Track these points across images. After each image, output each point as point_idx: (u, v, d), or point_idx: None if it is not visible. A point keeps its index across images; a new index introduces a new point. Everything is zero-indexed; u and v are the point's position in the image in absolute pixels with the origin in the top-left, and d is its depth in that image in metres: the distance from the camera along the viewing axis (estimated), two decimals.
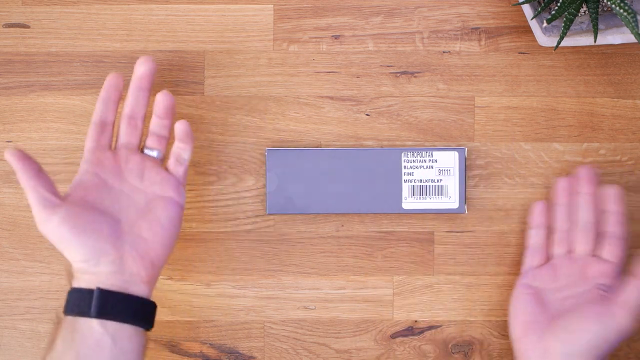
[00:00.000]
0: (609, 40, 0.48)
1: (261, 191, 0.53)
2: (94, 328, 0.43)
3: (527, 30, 0.53)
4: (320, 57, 0.53)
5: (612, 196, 0.50)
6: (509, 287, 0.53)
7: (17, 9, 0.53)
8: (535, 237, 0.51)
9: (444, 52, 0.53)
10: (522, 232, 0.53)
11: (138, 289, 0.45)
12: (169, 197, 0.47)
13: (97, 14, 0.53)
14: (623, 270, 0.49)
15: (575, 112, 0.53)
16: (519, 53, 0.53)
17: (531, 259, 0.51)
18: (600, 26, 0.48)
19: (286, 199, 0.51)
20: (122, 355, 0.43)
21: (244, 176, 0.53)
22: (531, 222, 0.52)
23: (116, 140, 0.48)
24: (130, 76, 0.48)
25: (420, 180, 0.51)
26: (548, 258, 0.51)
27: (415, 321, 0.53)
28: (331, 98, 0.53)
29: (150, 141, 0.49)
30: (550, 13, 0.49)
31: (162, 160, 0.49)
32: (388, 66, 0.53)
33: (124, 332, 0.44)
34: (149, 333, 0.46)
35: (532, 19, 0.49)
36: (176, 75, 0.53)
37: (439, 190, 0.52)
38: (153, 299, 0.46)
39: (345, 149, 0.52)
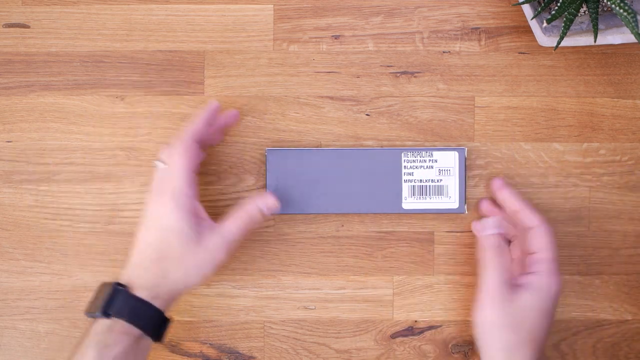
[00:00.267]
0: (609, 40, 0.48)
1: (261, 191, 0.53)
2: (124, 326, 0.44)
3: (527, 30, 0.53)
4: (320, 57, 0.53)
5: (504, 195, 0.51)
6: None
7: (17, 9, 0.53)
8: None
9: (444, 52, 0.53)
10: None
11: (160, 303, 0.46)
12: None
13: (97, 14, 0.53)
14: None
15: (575, 112, 0.53)
16: (519, 53, 0.53)
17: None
18: (600, 26, 0.48)
19: (286, 199, 0.51)
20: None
21: (244, 176, 0.53)
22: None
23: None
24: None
25: (420, 180, 0.51)
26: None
27: (415, 321, 0.53)
28: (331, 98, 0.53)
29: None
30: (550, 13, 0.49)
31: None
32: (388, 66, 0.53)
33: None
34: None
35: (532, 19, 0.49)
36: (176, 75, 0.53)
37: (439, 190, 0.52)
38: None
39: (345, 149, 0.52)
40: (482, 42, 0.53)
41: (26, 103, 0.53)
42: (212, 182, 0.53)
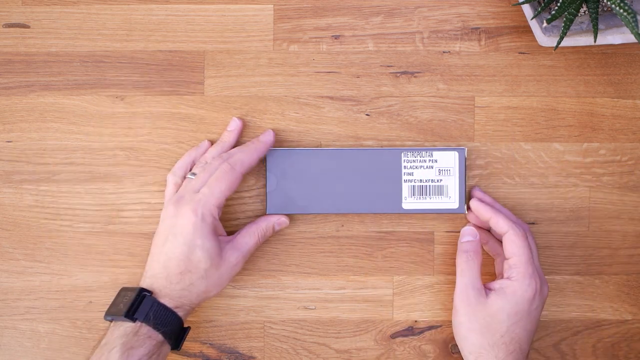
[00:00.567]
0: (609, 40, 0.48)
1: (261, 191, 0.53)
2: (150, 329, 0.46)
3: (527, 30, 0.53)
4: (320, 57, 0.53)
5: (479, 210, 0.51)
6: None
7: (17, 9, 0.53)
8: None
9: (444, 52, 0.53)
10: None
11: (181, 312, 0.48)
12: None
13: (97, 14, 0.53)
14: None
15: (575, 112, 0.53)
16: (519, 53, 0.53)
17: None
18: (600, 26, 0.48)
19: (286, 199, 0.51)
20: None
21: (244, 176, 0.53)
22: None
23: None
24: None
25: (420, 180, 0.51)
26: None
27: (415, 321, 0.53)
28: (331, 98, 0.53)
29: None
30: (550, 13, 0.49)
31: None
32: (388, 66, 0.53)
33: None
34: None
35: (532, 19, 0.49)
36: (176, 75, 0.53)
37: (439, 190, 0.52)
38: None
39: (345, 149, 0.52)
40: (482, 42, 0.53)
41: (26, 103, 0.53)
42: None
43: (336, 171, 0.51)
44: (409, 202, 0.52)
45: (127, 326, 0.45)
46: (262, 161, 0.53)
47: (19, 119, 0.53)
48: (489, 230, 0.52)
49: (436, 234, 0.53)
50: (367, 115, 0.53)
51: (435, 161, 0.52)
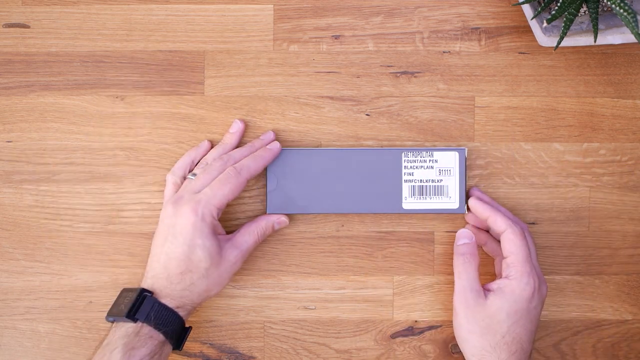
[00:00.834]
0: (609, 40, 0.48)
1: (261, 191, 0.53)
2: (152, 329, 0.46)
3: (527, 30, 0.53)
4: (320, 57, 0.53)
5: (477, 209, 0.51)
6: None
7: (17, 9, 0.53)
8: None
9: (444, 52, 0.53)
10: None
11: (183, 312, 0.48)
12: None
13: (97, 14, 0.53)
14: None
15: (575, 112, 0.53)
16: (519, 53, 0.53)
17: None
18: (600, 26, 0.48)
19: (286, 199, 0.51)
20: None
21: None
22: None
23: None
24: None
25: (421, 181, 0.51)
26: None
27: (415, 321, 0.53)
28: (331, 98, 0.53)
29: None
30: (550, 13, 0.49)
31: None
32: (388, 66, 0.53)
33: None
34: None
35: (532, 19, 0.49)
36: (176, 75, 0.53)
37: (439, 191, 0.52)
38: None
39: (346, 149, 0.52)
40: (482, 42, 0.53)
41: (26, 103, 0.53)
42: None
43: (336, 171, 0.51)
44: (409, 202, 0.52)
45: (128, 327, 0.45)
46: None
47: (19, 119, 0.53)
48: (487, 231, 0.52)
49: (436, 234, 0.53)
50: (367, 115, 0.53)
51: (436, 161, 0.52)
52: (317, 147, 0.53)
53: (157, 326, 0.45)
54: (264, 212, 0.53)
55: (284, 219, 0.52)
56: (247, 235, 0.50)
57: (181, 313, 0.47)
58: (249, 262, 0.53)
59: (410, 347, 0.53)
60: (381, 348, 0.53)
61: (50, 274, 0.53)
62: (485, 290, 0.49)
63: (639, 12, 0.47)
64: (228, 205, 0.53)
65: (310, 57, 0.53)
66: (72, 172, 0.53)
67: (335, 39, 0.53)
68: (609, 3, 0.44)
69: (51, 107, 0.53)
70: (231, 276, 0.49)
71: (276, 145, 0.51)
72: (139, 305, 0.46)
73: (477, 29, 0.53)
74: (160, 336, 0.45)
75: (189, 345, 0.53)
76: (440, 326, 0.53)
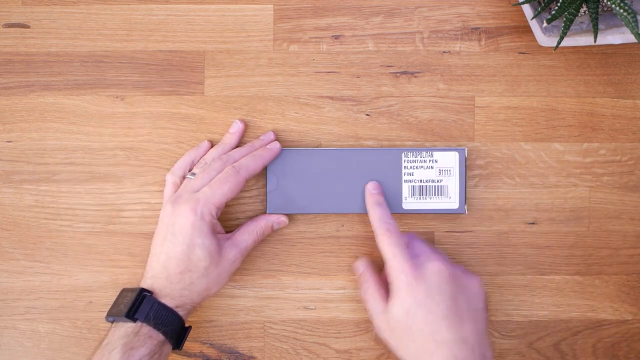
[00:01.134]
0: (609, 40, 0.48)
1: (261, 191, 0.53)
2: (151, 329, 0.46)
3: (527, 30, 0.53)
4: (320, 57, 0.53)
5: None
6: (509, 287, 0.53)
7: (17, 9, 0.53)
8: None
9: (444, 52, 0.53)
10: (522, 232, 0.53)
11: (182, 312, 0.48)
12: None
13: (97, 14, 0.53)
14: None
15: (575, 112, 0.53)
16: (519, 53, 0.53)
17: None
18: (600, 26, 0.48)
19: (286, 199, 0.51)
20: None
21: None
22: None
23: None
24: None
25: (421, 181, 0.51)
26: None
27: None
28: (331, 98, 0.53)
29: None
30: (550, 13, 0.49)
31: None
32: (388, 66, 0.53)
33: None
34: None
35: (532, 19, 0.49)
36: (176, 75, 0.53)
37: (439, 191, 0.52)
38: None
39: (346, 149, 0.52)
40: (482, 42, 0.53)
41: (26, 103, 0.53)
42: None
43: (336, 171, 0.51)
44: (409, 202, 0.52)
45: (127, 326, 0.45)
46: None
47: (19, 119, 0.53)
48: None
49: (436, 234, 0.53)
50: (367, 115, 0.53)
51: (436, 161, 0.52)
52: (317, 147, 0.53)
53: (157, 326, 0.45)
54: (264, 212, 0.53)
55: (283, 219, 0.52)
56: (247, 235, 0.50)
57: (181, 313, 0.47)
58: (249, 262, 0.53)
59: None
60: (381, 348, 0.53)
61: (50, 274, 0.53)
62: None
63: (639, 12, 0.47)
64: (228, 205, 0.53)
65: (310, 57, 0.53)
66: (72, 172, 0.53)
67: (335, 39, 0.53)
68: (609, 3, 0.44)
69: (51, 107, 0.53)
70: (230, 275, 0.49)
71: (276, 145, 0.51)
72: (139, 305, 0.46)
73: (477, 29, 0.53)
74: (159, 336, 0.45)
75: (189, 345, 0.53)
76: None
